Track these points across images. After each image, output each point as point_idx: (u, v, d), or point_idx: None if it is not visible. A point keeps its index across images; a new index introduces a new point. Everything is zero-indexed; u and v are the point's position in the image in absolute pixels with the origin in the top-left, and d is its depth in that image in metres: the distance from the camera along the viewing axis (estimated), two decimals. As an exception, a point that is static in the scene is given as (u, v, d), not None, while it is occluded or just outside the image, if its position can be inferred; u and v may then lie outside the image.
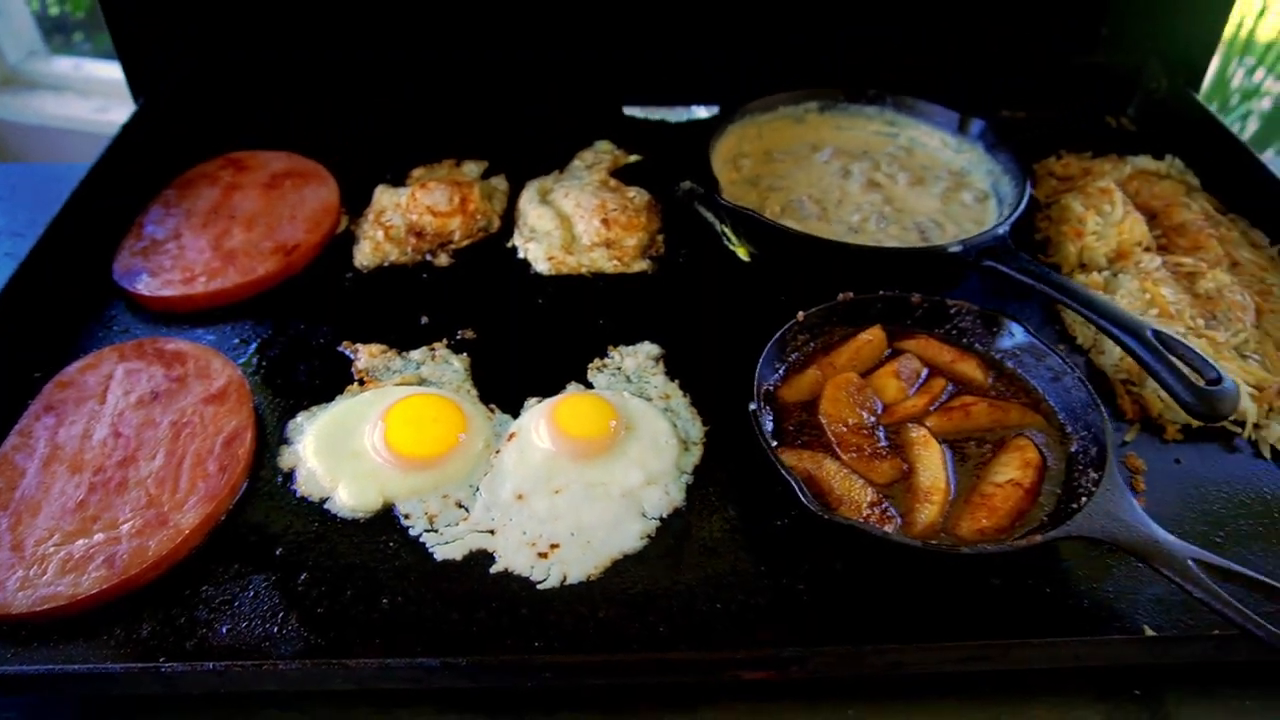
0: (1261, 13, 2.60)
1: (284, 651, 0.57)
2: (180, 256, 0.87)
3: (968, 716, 0.61)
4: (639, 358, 0.79)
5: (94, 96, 2.36)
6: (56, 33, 2.78)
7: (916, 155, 1.01)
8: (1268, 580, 0.57)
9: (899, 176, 0.97)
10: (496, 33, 1.09)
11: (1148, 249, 0.89)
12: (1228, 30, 2.63)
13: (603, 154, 1.05)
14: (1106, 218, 0.90)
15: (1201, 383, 0.66)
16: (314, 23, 1.07)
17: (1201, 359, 0.67)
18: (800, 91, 1.04)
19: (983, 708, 0.62)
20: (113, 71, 2.49)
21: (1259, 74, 2.58)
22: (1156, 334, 0.69)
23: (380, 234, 0.91)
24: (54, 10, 2.93)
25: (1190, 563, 0.58)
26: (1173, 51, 1.09)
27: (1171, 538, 0.59)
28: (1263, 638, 0.54)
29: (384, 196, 0.95)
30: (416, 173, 1.01)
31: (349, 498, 0.67)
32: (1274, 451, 0.73)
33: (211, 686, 0.57)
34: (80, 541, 0.62)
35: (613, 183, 0.98)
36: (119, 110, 2.10)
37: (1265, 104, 2.68)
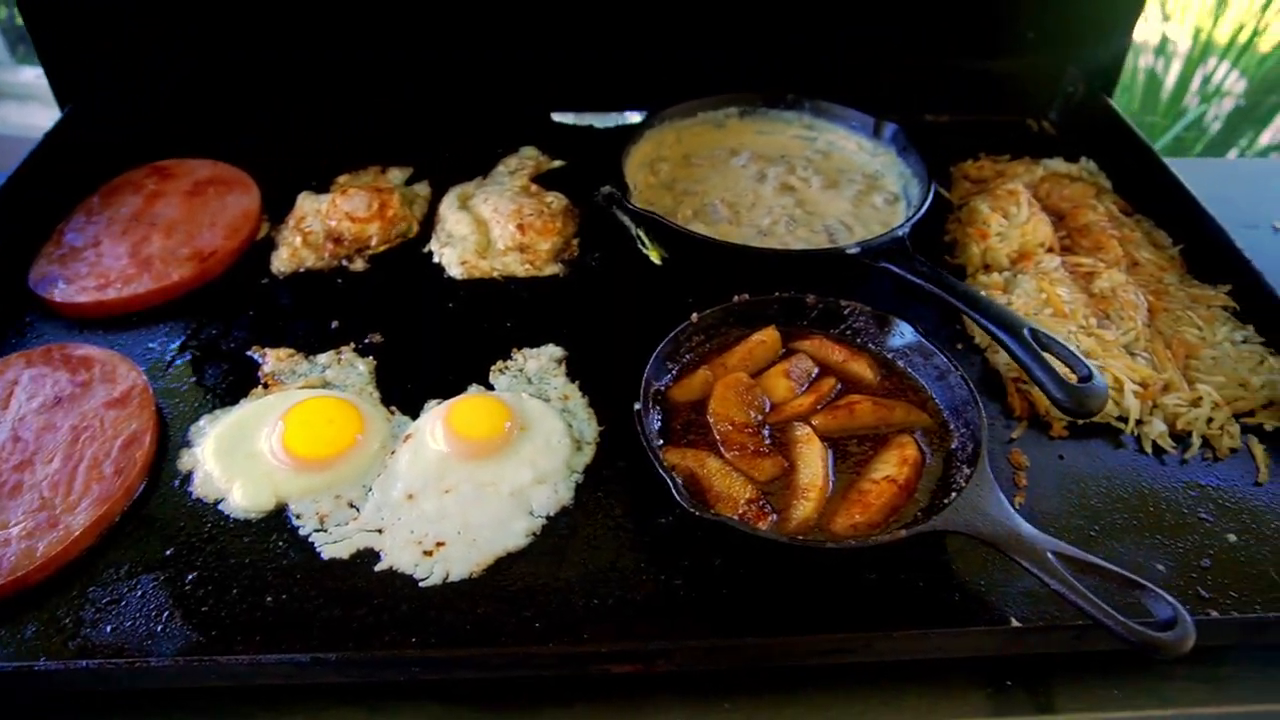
0: (1217, 17, 2.63)
1: (164, 650, 0.59)
2: (97, 264, 0.88)
3: (842, 706, 0.63)
4: (542, 360, 0.81)
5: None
6: (22, 43, 2.78)
7: (833, 159, 1.03)
8: (1124, 573, 0.59)
9: (813, 180, 0.99)
10: (431, 37, 1.10)
11: (1050, 250, 0.90)
12: (1189, 34, 2.66)
13: (527, 159, 1.06)
14: (1012, 220, 0.92)
15: (1074, 380, 0.68)
16: (248, 26, 1.08)
17: (1075, 357, 0.69)
18: (720, 97, 1.06)
19: (858, 699, 0.63)
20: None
21: (1220, 73, 2.60)
22: (1033, 332, 0.70)
23: (298, 239, 0.93)
24: (19, 21, 2.94)
25: (1050, 555, 0.59)
26: (1089, 57, 1.11)
27: (1035, 531, 0.61)
28: (1112, 628, 0.56)
29: (306, 203, 0.97)
30: (341, 179, 1.02)
31: (243, 498, 0.68)
32: (1156, 447, 0.74)
33: (86, 685, 0.58)
34: (-32, 550, 0.63)
35: (533, 188, 1.00)
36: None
37: (1227, 104, 2.72)
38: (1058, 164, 1.04)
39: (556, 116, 1.15)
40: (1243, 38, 2.55)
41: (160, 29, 1.08)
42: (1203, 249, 0.91)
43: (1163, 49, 2.78)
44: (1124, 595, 0.58)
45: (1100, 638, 0.60)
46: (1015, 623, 0.61)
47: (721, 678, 0.63)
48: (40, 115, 2.72)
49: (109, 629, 0.60)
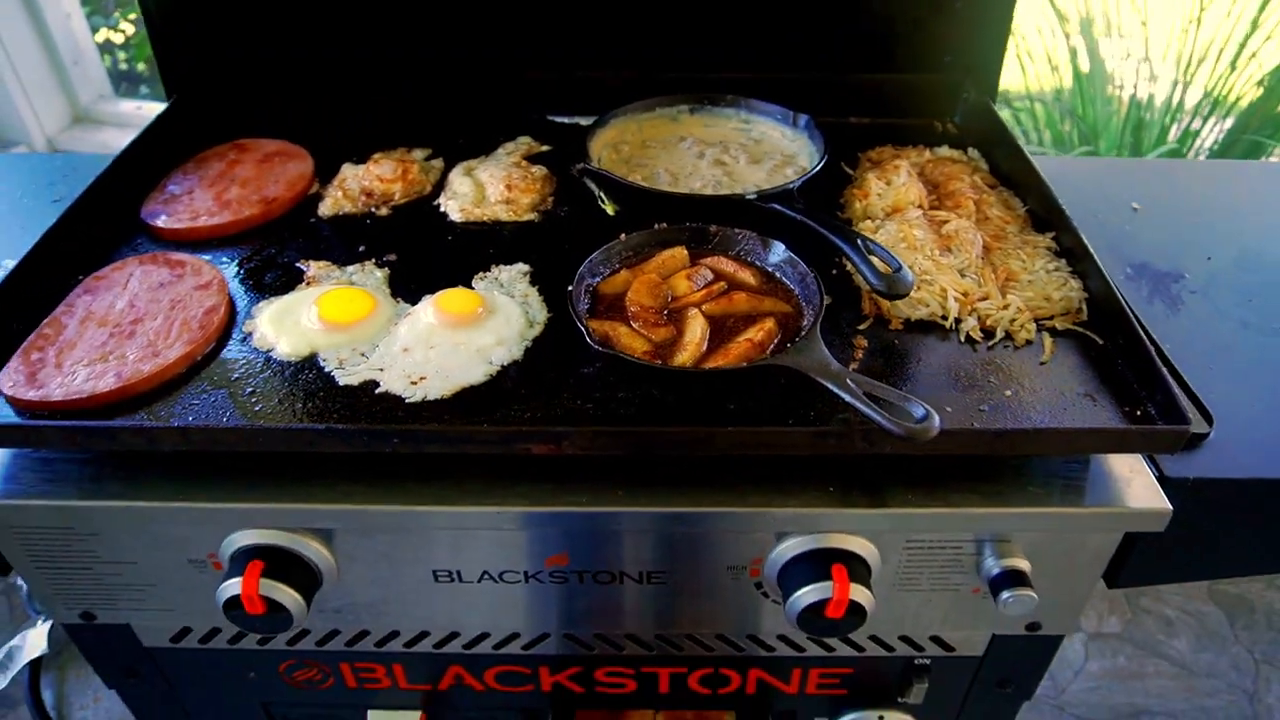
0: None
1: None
2: (190, 204, 1.18)
3: (704, 494, 0.86)
4: (511, 272, 1.07)
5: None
6: (123, 81, 3.21)
7: (762, 144, 1.29)
8: (898, 391, 0.81)
9: (740, 157, 1.25)
10: (454, 51, 1.40)
11: (919, 207, 1.15)
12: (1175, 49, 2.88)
13: (521, 144, 1.35)
14: (891, 184, 1.17)
15: (888, 271, 0.92)
16: (307, 36, 1.40)
17: (891, 256, 0.93)
18: (675, 96, 1.34)
19: (718, 490, 0.87)
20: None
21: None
22: (864, 240, 0.95)
23: (339, 193, 1.22)
24: (123, 66, 3.39)
25: (849, 380, 0.83)
26: (983, 71, 1.37)
27: (841, 366, 0.84)
28: (882, 423, 0.78)
29: (347, 169, 1.26)
30: (375, 155, 1.31)
31: (286, 348, 0.95)
32: (969, 339, 0.97)
33: (176, 443, 0.84)
34: (100, 365, 0.91)
35: (523, 163, 1.28)
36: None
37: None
38: (944, 150, 1.29)
39: (551, 117, 1.43)
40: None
41: (240, 42, 1.40)
42: (1043, 211, 1.14)
43: (1146, 105, 3.03)
44: (901, 411, 0.81)
45: (883, 439, 0.83)
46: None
47: (616, 468, 0.88)
48: (136, 141, 3.16)
49: (191, 418, 0.87)
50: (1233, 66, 2.95)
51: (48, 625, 1.52)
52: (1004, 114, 1.38)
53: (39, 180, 1.41)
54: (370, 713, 1.20)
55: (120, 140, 2.60)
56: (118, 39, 3.39)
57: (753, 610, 1.01)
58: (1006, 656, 1.08)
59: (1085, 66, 3.17)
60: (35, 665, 1.52)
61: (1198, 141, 3.08)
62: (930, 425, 0.78)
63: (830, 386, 0.82)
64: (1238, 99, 3.00)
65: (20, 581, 1.54)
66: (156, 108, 2.92)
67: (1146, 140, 3.09)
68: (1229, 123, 3.12)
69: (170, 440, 0.84)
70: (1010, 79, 3.34)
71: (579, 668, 1.12)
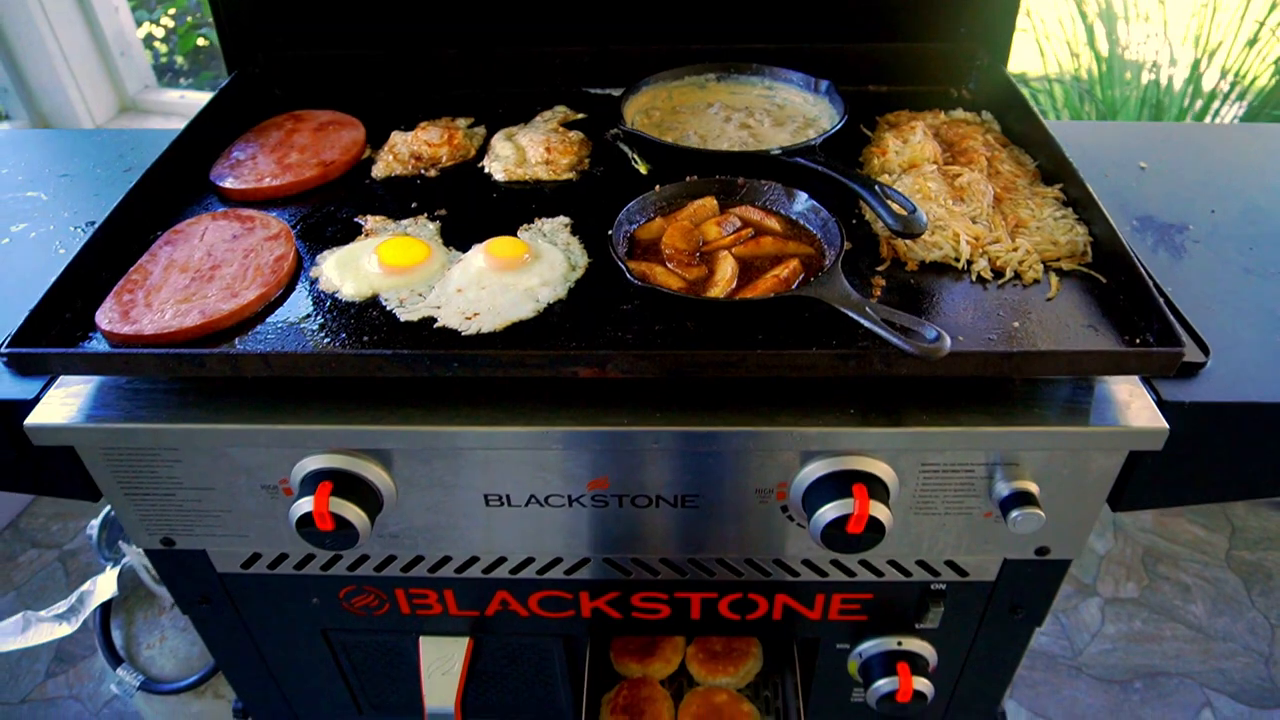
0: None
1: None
2: (254, 167, 1.27)
3: (738, 415, 0.94)
4: (554, 224, 1.15)
5: (195, 117, 2.86)
6: (164, 73, 3.34)
7: (785, 109, 1.37)
8: (912, 317, 0.89)
9: (765, 121, 1.33)
10: (495, 32, 1.49)
11: (934, 163, 1.22)
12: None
13: (558, 112, 1.43)
14: (907, 142, 1.24)
15: (904, 213, 0.99)
16: (360, 15, 1.49)
17: (906, 200, 1.01)
18: (703, 65, 1.42)
19: (750, 410, 0.95)
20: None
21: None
22: (881, 186, 1.02)
23: (391, 157, 1.31)
24: (164, 59, 3.52)
25: (867, 308, 0.90)
26: (997, 40, 1.43)
27: (860, 295, 0.92)
28: (899, 343, 0.86)
29: (396, 136, 1.35)
30: (422, 123, 1.40)
31: (350, 290, 1.04)
32: (980, 278, 1.04)
33: (258, 369, 0.93)
34: (184, 304, 1.00)
35: (560, 129, 1.36)
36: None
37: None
38: (959, 113, 1.36)
39: (585, 89, 1.52)
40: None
41: (295, 23, 1.50)
42: (1052, 166, 1.21)
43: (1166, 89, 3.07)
44: (915, 335, 0.89)
45: (899, 360, 0.91)
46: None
47: (653, 394, 0.96)
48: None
49: (265, 348, 0.96)
50: (1250, 45, 2.98)
51: (116, 570, 1.63)
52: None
53: (109, 152, 1.52)
54: (422, 639, 1.29)
55: (165, 127, 2.73)
56: (158, 33, 3.52)
57: (779, 534, 1.09)
58: (1017, 581, 1.15)
59: (1104, 50, 3.21)
60: (105, 609, 1.63)
61: (1215, 121, 3.11)
62: (942, 345, 0.85)
63: (850, 314, 0.90)
64: (1254, 79, 3.03)
65: (91, 532, 1.65)
66: (199, 96, 3.05)
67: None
68: (1246, 104, 3.15)
69: (253, 366, 0.93)
70: (1030, 62, 3.40)
71: (616, 592, 1.20)
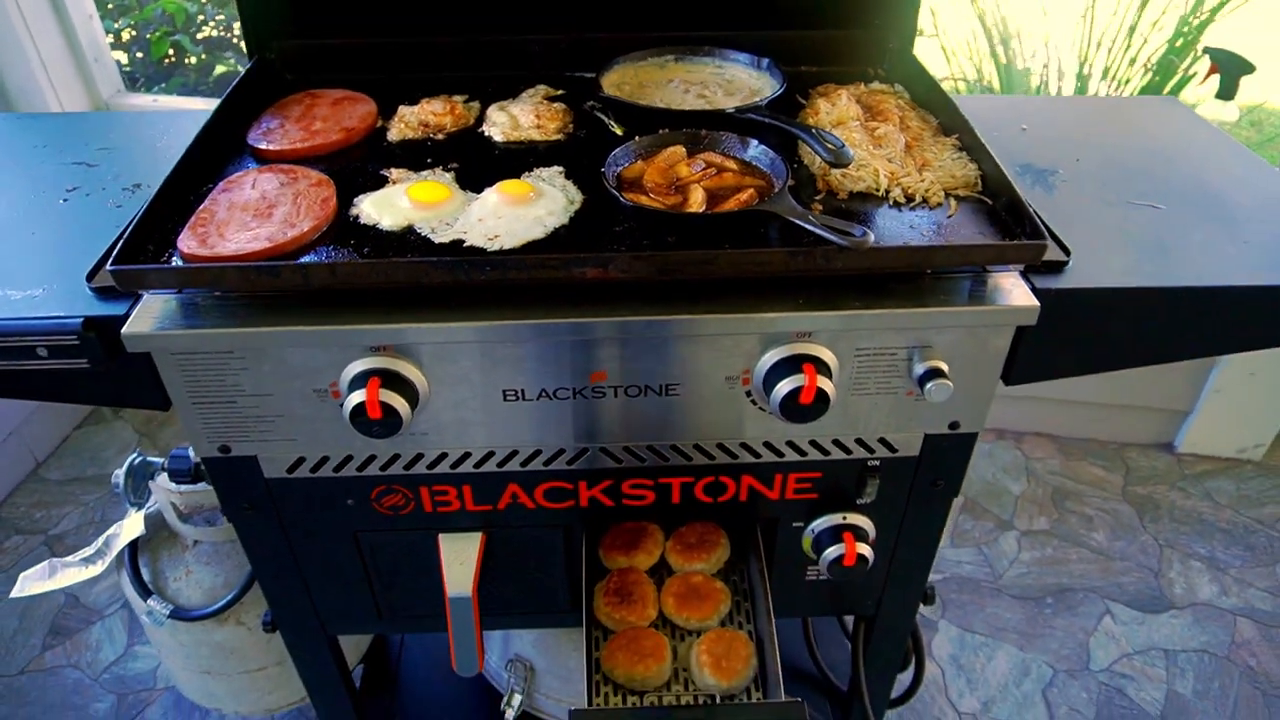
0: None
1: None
2: (285, 133, 1.48)
3: (714, 305, 1.19)
4: (550, 172, 1.39)
5: (171, 118, 3.00)
6: (135, 78, 3.48)
7: (734, 83, 1.64)
8: (843, 223, 1.15)
9: (718, 92, 1.59)
10: (486, 25, 1.72)
11: (857, 120, 1.50)
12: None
13: (539, 90, 1.67)
14: (835, 105, 1.52)
15: (834, 148, 1.26)
16: (363, 13, 1.71)
17: (837, 139, 1.27)
18: (662, 49, 1.68)
19: (723, 302, 1.19)
20: (180, 103, 3.18)
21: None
22: (816, 129, 1.29)
23: (402, 125, 1.53)
24: (127, 68, 3.65)
25: (810, 215, 1.16)
26: (900, 24, 1.73)
27: (802, 208, 1.18)
28: (833, 239, 1.12)
29: (404, 109, 1.57)
30: (425, 99, 1.63)
31: (389, 222, 1.26)
32: (895, 203, 1.31)
33: (325, 278, 1.14)
34: (250, 233, 1.21)
35: (545, 101, 1.60)
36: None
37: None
38: (876, 85, 1.65)
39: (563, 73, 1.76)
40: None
41: (306, 17, 1.71)
42: (950, 121, 1.50)
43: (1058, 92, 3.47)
44: (846, 234, 1.15)
45: (839, 258, 1.16)
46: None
47: (644, 293, 1.20)
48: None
49: (324, 272, 1.17)
50: (1126, 50, 3.40)
51: (143, 513, 1.79)
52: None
53: (140, 129, 1.70)
54: (441, 536, 1.49)
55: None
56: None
57: (744, 417, 1.34)
58: (936, 455, 1.42)
59: (1002, 58, 3.60)
60: (133, 548, 1.79)
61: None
62: (867, 239, 1.12)
63: (797, 221, 1.16)
64: (1127, 80, 3.44)
65: (118, 479, 1.81)
66: (171, 100, 3.20)
67: (1056, 114, 3.51)
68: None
69: (320, 275, 1.15)
70: (938, 68, 3.78)
71: (610, 480, 1.43)
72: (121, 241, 1.17)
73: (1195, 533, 2.82)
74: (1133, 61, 3.32)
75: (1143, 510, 2.89)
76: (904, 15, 1.72)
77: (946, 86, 1.55)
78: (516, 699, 1.89)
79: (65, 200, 1.47)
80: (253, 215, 1.25)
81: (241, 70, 1.64)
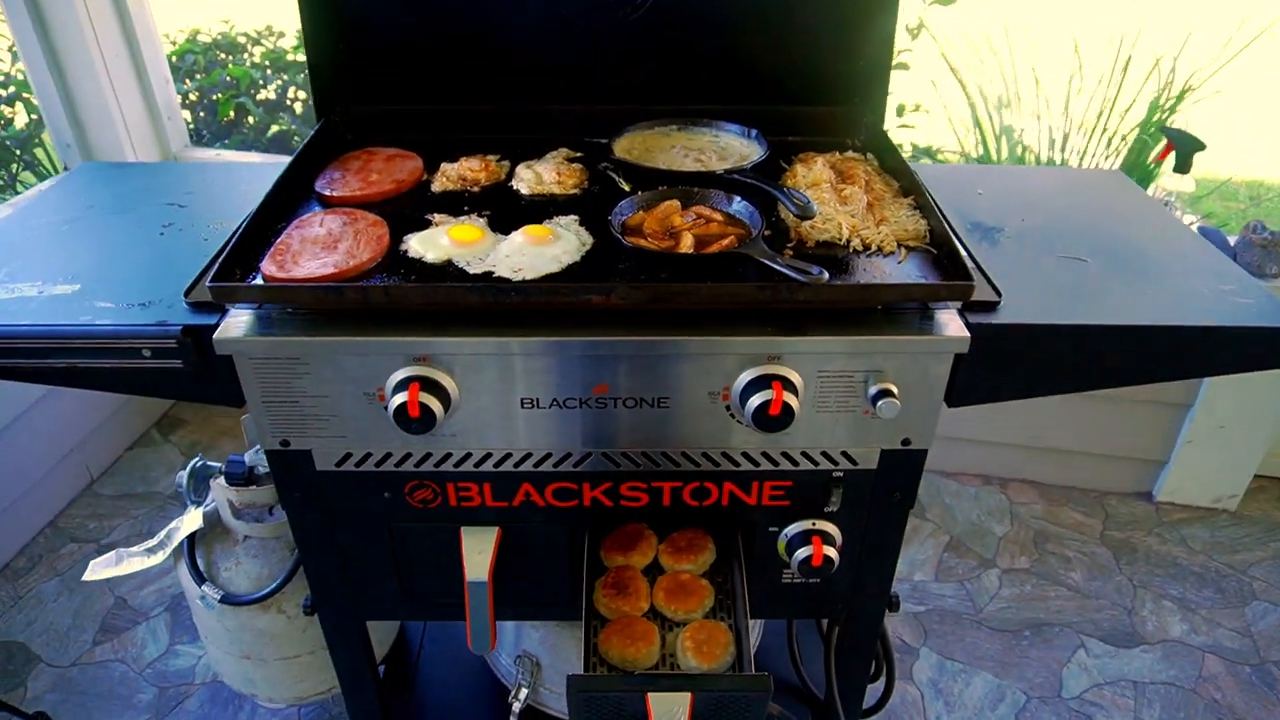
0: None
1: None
2: (346, 183, 1.76)
3: (697, 330, 1.43)
4: (567, 219, 1.66)
5: (234, 169, 3.33)
6: (200, 132, 3.84)
7: (728, 150, 1.91)
8: (805, 265, 1.40)
9: (713, 157, 1.86)
10: (513, 93, 2.02)
11: (829, 183, 1.76)
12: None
13: (560, 152, 1.95)
14: (810, 170, 1.79)
15: (802, 203, 1.52)
16: (412, 89, 2.01)
17: (804, 197, 1.53)
18: (667, 119, 1.96)
19: (704, 330, 1.44)
20: (241, 157, 3.52)
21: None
22: (788, 189, 1.55)
23: (445, 179, 1.81)
24: (192, 126, 4.02)
25: (778, 258, 1.42)
26: (873, 103, 2.01)
27: (773, 252, 1.43)
28: (793, 276, 1.37)
29: (445, 165, 1.85)
30: (463, 157, 1.91)
31: (432, 256, 1.52)
32: (854, 251, 1.56)
33: (380, 299, 1.41)
34: (319, 262, 1.48)
35: (564, 162, 1.88)
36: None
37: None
38: (849, 154, 1.92)
39: (581, 138, 2.05)
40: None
41: (367, 88, 2.01)
42: (908, 185, 1.76)
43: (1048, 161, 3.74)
44: (807, 273, 1.40)
45: (799, 291, 1.41)
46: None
47: (641, 317, 1.44)
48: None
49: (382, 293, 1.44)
50: (1102, 133, 3.68)
51: (201, 510, 2.03)
52: (926, 161, 2.00)
53: (220, 178, 2.00)
54: (463, 529, 1.73)
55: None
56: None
57: (725, 429, 1.57)
58: (892, 468, 1.64)
59: (997, 128, 3.90)
60: (191, 540, 2.03)
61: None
62: (821, 276, 1.37)
63: (767, 262, 1.41)
64: (1107, 157, 3.72)
65: (181, 480, 2.06)
66: (234, 154, 3.55)
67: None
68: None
69: (375, 296, 1.41)
70: (944, 140, 4.08)
71: (609, 483, 1.66)
72: (216, 265, 1.45)
73: (1169, 575, 2.98)
74: (1109, 143, 3.60)
75: (1119, 553, 3.05)
76: (875, 96, 2.00)
77: (948, 156, 1.82)
78: (523, 692, 2.09)
79: (162, 233, 1.76)
80: (321, 247, 1.53)
81: (294, 129, 1.94)
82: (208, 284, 1.41)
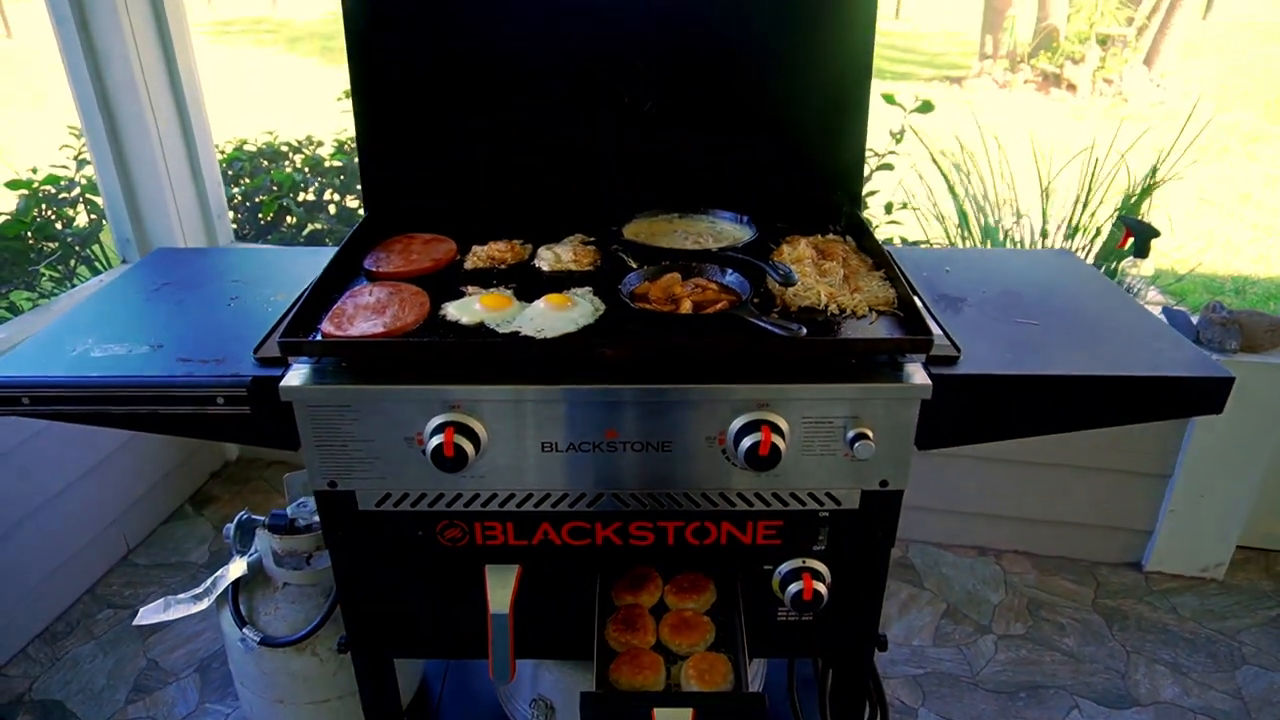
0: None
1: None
2: (390, 261, 2.03)
3: (697, 382, 1.65)
4: (583, 290, 1.91)
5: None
6: (243, 228, 4.18)
7: (723, 235, 2.18)
8: (788, 324, 1.63)
9: (710, 240, 2.13)
10: (534, 186, 2.31)
11: (811, 259, 2.02)
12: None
13: (576, 237, 2.23)
14: (795, 249, 2.05)
15: (783, 272, 1.77)
16: (444, 184, 2.31)
17: (786, 267, 1.78)
18: (668, 209, 2.25)
19: (699, 380, 1.66)
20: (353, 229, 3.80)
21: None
22: (773, 262, 1.80)
23: (475, 258, 2.08)
24: (234, 226, 4.37)
25: (764, 318, 1.65)
26: (851, 194, 2.29)
27: (760, 313, 1.66)
28: (779, 332, 1.60)
29: (476, 248, 2.13)
30: (491, 241, 2.19)
31: (467, 319, 1.77)
32: (831, 315, 1.80)
33: (421, 355, 1.64)
34: (370, 324, 1.73)
35: (580, 244, 2.16)
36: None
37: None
38: (830, 235, 2.18)
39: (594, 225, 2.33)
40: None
41: (404, 183, 2.31)
42: (880, 261, 2.01)
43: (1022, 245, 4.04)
44: (790, 330, 1.63)
45: (780, 344, 1.63)
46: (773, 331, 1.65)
47: (647, 368, 1.67)
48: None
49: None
50: (1079, 213, 3.98)
51: (245, 559, 2.22)
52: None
53: (276, 261, 2.27)
54: (487, 567, 1.91)
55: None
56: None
57: (722, 471, 1.77)
58: (873, 508, 1.83)
59: (979, 222, 4.21)
60: (235, 587, 2.21)
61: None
62: (800, 332, 1.60)
63: (754, 321, 1.65)
64: (1084, 246, 4.00)
65: (229, 532, 2.26)
66: (271, 248, 3.86)
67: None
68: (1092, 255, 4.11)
69: (420, 352, 1.65)
70: (933, 234, 4.39)
71: (619, 522, 1.85)
72: (284, 325, 1.70)
73: (1160, 641, 3.08)
74: (1083, 233, 3.89)
75: (1111, 620, 3.16)
76: (853, 188, 2.28)
77: (940, 243, 2.07)
78: (537, 736, 2.22)
79: (230, 305, 2.01)
80: (371, 311, 1.78)
81: (328, 227, 2.22)
82: (277, 340, 1.65)
